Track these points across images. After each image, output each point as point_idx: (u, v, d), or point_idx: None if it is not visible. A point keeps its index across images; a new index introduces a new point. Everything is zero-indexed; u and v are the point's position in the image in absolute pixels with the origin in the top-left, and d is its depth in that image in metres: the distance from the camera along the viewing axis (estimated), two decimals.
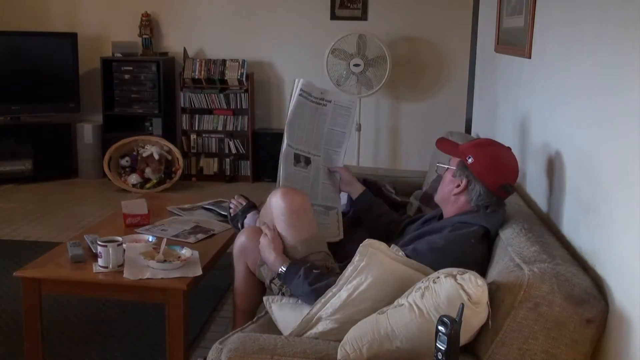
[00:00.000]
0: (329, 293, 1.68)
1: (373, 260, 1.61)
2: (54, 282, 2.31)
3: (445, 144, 2.08)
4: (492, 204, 1.90)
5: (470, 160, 1.91)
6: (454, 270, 1.46)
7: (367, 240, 1.66)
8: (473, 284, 1.40)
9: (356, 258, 1.63)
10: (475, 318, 1.42)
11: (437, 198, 2.08)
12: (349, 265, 1.65)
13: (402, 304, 1.49)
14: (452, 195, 1.97)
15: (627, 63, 1.42)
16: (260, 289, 2.23)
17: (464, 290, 1.39)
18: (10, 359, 2.55)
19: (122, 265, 2.28)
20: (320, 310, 1.68)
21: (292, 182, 2.36)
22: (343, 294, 1.64)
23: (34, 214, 4.66)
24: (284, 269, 1.98)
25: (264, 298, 1.97)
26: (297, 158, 2.41)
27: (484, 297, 1.41)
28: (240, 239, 2.28)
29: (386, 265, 1.61)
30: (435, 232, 1.93)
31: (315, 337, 1.67)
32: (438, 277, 1.46)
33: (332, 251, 2.13)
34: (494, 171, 1.89)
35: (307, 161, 2.44)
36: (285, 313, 1.89)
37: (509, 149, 1.98)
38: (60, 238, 3.99)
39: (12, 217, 4.56)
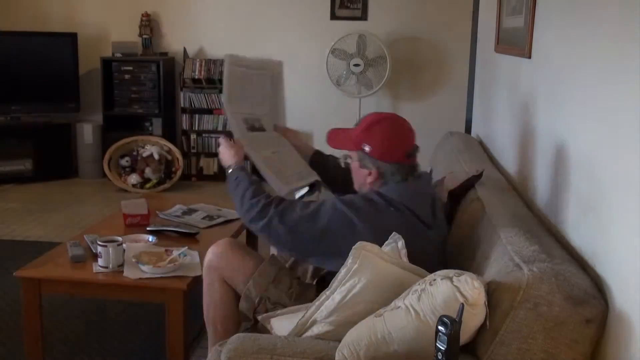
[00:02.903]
0: (322, 296, 1.67)
1: (366, 263, 1.60)
2: (54, 282, 2.32)
3: (336, 140, 2.06)
4: (407, 172, 1.91)
5: (367, 149, 1.92)
6: (451, 272, 1.46)
7: (359, 242, 1.65)
8: (470, 286, 1.39)
9: (349, 260, 1.62)
10: (472, 320, 1.42)
11: (356, 187, 2.05)
12: (342, 268, 1.65)
13: (399, 307, 1.49)
14: (367, 182, 1.97)
15: (627, 62, 1.42)
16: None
17: (461, 293, 1.39)
18: (10, 359, 2.55)
19: (122, 265, 2.28)
20: (315, 313, 1.67)
21: (257, 146, 2.31)
22: (337, 296, 1.63)
23: (34, 214, 4.66)
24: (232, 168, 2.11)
25: (260, 317, 1.92)
26: (248, 123, 2.38)
27: (481, 299, 1.41)
28: (208, 257, 2.15)
29: (379, 267, 1.61)
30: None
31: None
32: (434, 280, 1.46)
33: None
34: (393, 147, 1.91)
35: (260, 128, 2.43)
36: (283, 324, 1.85)
37: (392, 115, 2.02)
38: (60, 238, 3.99)
39: (12, 217, 4.56)
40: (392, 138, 1.93)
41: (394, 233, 1.77)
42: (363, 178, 1.97)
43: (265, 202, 1.95)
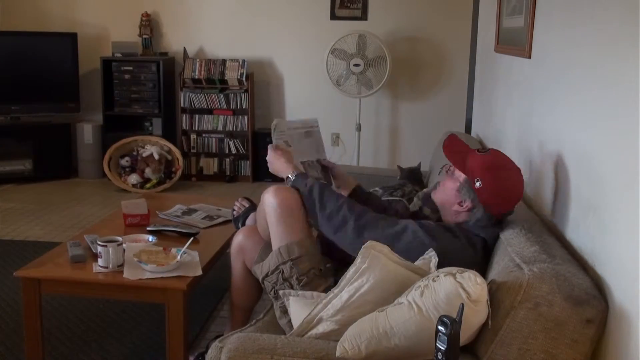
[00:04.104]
0: (330, 294, 1.68)
1: (375, 263, 1.61)
2: (54, 282, 2.31)
3: (453, 152, 1.99)
4: (490, 226, 1.89)
5: (478, 185, 1.85)
6: (454, 269, 1.46)
7: (369, 242, 1.66)
8: (472, 283, 1.40)
9: (358, 260, 1.63)
10: (474, 317, 1.42)
11: (437, 200, 2.04)
12: (350, 267, 1.65)
13: (402, 302, 1.50)
14: (452, 208, 1.95)
15: (627, 62, 1.42)
16: (257, 286, 2.27)
17: (464, 289, 1.39)
18: (10, 359, 2.55)
19: (122, 265, 2.28)
20: (322, 311, 1.68)
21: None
22: (344, 295, 1.64)
23: (34, 214, 4.66)
24: (292, 177, 2.14)
25: (281, 292, 1.98)
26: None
27: (484, 296, 1.41)
28: (238, 238, 2.34)
29: (388, 268, 1.61)
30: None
31: (315, 337, 1.67)
32: (438, 276, 1.46)
33: (325, 249, 2.12)
34: (501, 200, 1.86)
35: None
36: (300, 307, 1.88)
37: (518, 170, 1.90)
38: (60, 238, 3.99)
39: (12, 217, 4.56)
40: (505, 193, 1.86)
41: (430, 249, 1.78)
42: (452, 200, 1.95)
43: (345, 214, 1.97)
